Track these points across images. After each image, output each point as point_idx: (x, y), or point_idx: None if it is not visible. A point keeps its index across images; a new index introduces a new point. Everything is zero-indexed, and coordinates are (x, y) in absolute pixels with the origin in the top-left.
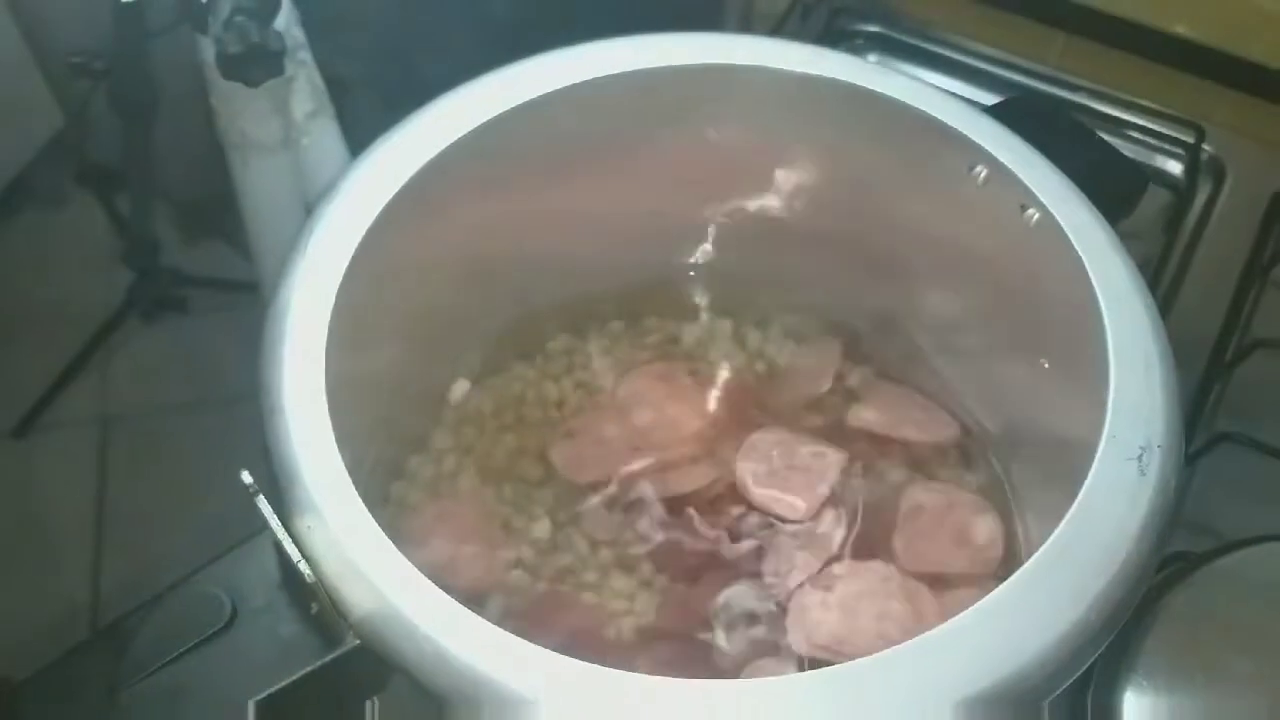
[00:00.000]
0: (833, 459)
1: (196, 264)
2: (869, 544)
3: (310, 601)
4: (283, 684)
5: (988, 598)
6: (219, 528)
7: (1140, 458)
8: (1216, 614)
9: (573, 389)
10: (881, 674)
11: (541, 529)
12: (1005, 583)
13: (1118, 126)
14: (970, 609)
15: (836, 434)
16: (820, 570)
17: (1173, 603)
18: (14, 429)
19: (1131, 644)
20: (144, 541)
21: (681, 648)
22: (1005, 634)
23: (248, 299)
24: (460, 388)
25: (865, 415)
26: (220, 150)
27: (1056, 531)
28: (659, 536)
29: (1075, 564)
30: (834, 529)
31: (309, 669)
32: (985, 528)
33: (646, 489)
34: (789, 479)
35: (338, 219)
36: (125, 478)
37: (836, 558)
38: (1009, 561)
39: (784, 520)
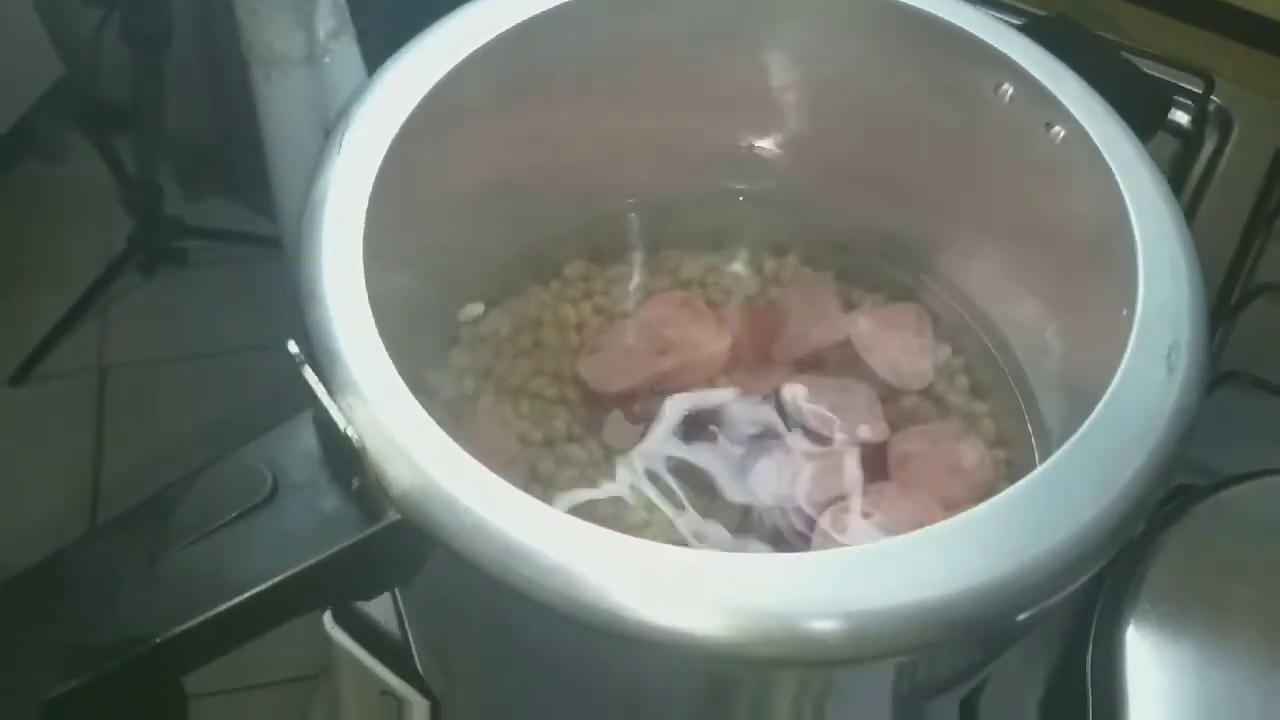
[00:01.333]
0: (862, 389)
1: (197, 218)
2: (873, 471)
3: (352, 476)
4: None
5: (1017, 484)
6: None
7: (1169, 355)
8: (1218, 546)
9: (592, 313)
10: (892, 558)
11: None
12: (1035, 471)
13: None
14: (1000, 495)
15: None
16: (846, 497)
17: (1175, 535)
18: (11, 377)
19: (1134, 575)
20: (141, 491)
21: None
22: (1027, 524)
23: (247, 253)
24: (472, 309)
25: (860, 323)
26: (225, 102)
27: (1085, 424)
28: (680, 451)
29: (1104, 453)
30: (852, 457)
31: (352, 539)
32: (972, 452)
33: (667, 405)
34: (849, 411)
35: (373, 117)
36: (123, 427)
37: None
38: (1017, 476)
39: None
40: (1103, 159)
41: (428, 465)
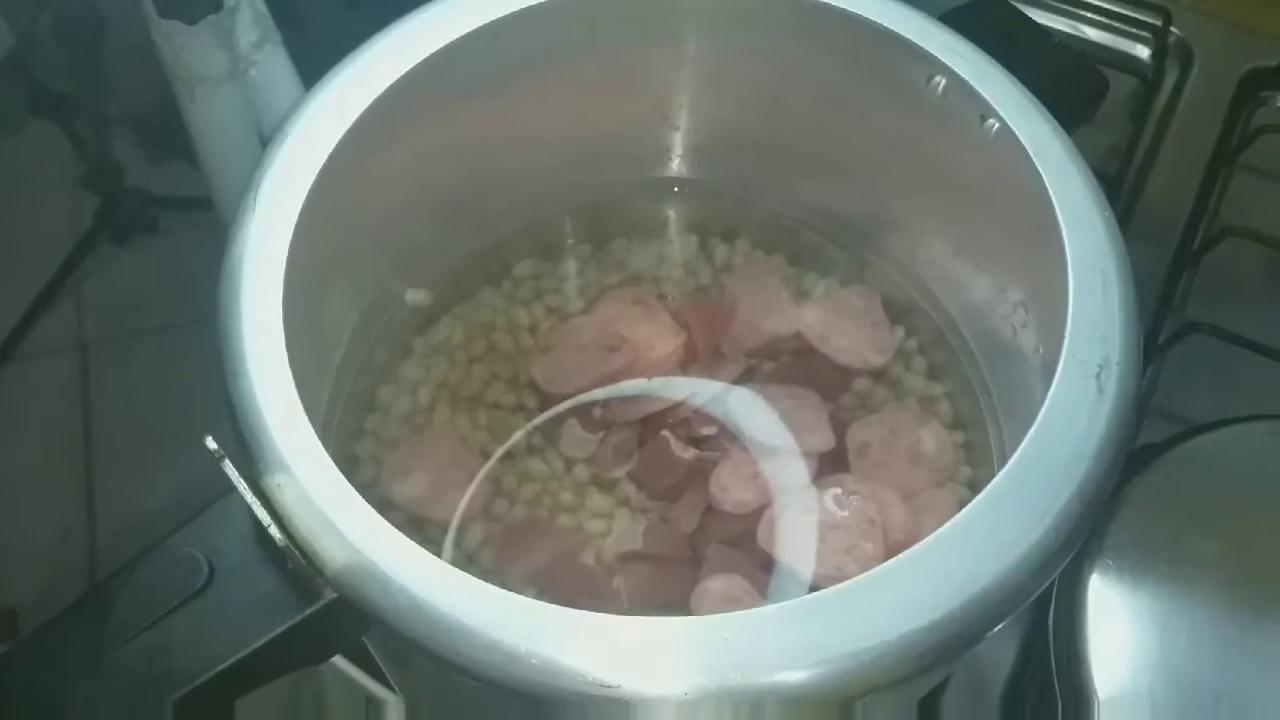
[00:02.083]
0: (811, 398)
1: (163, 183)
2: (833, 466)
3: (285, 559)
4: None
5: (947, 525)
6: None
7: (1098, 375)
8: (1180, 497)
9: (544, 314)
10: (842, 605)
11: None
12: (965, 509)
13: (1084, 11)
14: (931, 536)
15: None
16: (798, 493)
17: (1137, 487)
18: None
19: (1097, 527)
20: (134, 461)
21: (660, 566)
22: (965, 561)
23: (216, 215)
24: (416, 295)
25: (806, 317)
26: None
27: (1015, 455)
28: (635, 456)
29: (1034, 487)
30: (808, 455)
31: (291, 621)
32: (931, 438)
33: (620, 410)
34: (798, 418)
35: (286, 166)
36: (110, 398)
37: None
38: (975, 460)
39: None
40: (1031, 162)
41: (359, 543)
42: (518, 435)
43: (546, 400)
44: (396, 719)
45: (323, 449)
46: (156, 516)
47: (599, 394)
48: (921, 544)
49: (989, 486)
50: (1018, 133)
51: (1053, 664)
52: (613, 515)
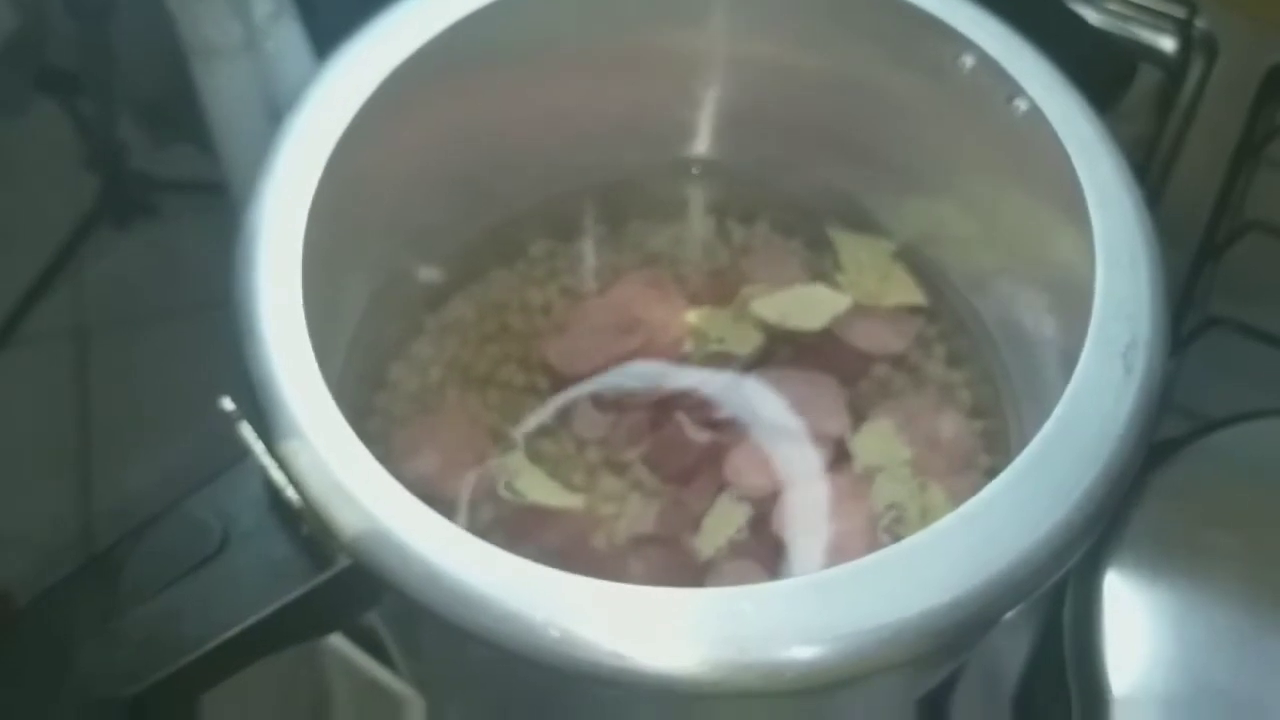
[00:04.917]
0: (829, 383)
1: (165, 167)
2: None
3: (300, 524)
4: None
5: (970, 502)
6: (205, 431)
7: (1125, 355)
8: (1199, 492)
9: (558, 294)
10: (862, 580)
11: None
12: (989, 485)
13: (1108, 2)
14: (953, 513)
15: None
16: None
17: (1158, 481)
18: None
19: (1114, 522)
20: (132, 449)
21: (672, 551)
22: (988, 537)
23: (219, 201)
24: (430, 272)
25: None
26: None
27: (1041, 432)
28: (648, 438)
29: (1060, 464)
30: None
31: (305, 588)
32: (949, 424)
33: (634, 391)
34: (815, 403)
35: (305, 134)
36: (108, 385)
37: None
38: (994, 448)
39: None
40: (1059, 142)
41: (376, 510)
42: (533, 418)
43: (558, 381)
44: (406, 708)
45: (339, 412)
46: (153, 503)
47: (612, 375)
48: (943, 520)
49: (1013, 464)
50: (1046, 112)
51: (1067, 661)
52: (625, 498)
